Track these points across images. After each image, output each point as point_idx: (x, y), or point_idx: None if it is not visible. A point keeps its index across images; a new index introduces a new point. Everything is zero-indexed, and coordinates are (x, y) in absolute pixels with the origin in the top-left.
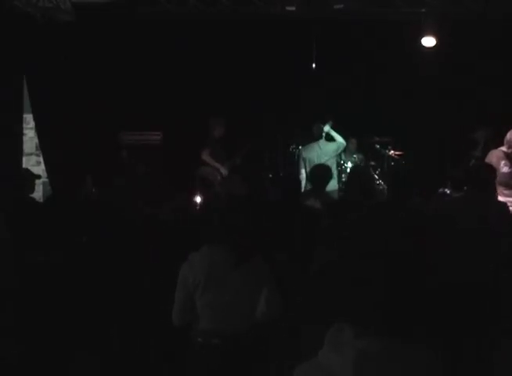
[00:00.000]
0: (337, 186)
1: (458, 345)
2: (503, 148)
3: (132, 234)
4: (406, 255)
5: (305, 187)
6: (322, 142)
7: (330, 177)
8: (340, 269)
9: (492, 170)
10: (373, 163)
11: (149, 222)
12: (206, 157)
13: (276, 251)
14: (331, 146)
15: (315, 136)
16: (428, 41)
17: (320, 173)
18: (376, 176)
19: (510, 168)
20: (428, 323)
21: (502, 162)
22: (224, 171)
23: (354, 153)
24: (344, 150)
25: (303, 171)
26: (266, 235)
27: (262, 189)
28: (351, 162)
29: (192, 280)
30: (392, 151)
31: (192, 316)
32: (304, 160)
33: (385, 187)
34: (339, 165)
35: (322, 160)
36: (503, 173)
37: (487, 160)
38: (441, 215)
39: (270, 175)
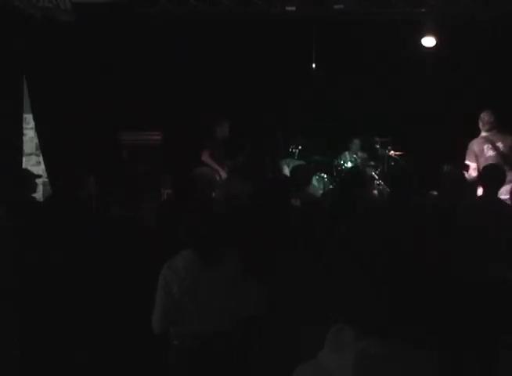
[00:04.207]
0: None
1: (459, 346)
2: (482, 133)
3: (117, 236)
4: (407, 255)
5: None
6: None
7: (310, 177)
8: (342, 270)
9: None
10: (372, 163)
11: (129, 224)
12: (206, 158)
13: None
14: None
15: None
16: (428, 41)
17: (299, 174)
18: (377, 176)
19: (494, 150)
20: (428, 323)
21: (485, 146)
22: (223, 173)
23: (355, 153)
24: (348, 150)
25: None
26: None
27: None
28: (352, 162)
29: (178, 286)
30: (392, 151)
31: (173, 321)
32: None
33: (385, 187)
34: (339, 165)
35: None
36: (490, 156)
37: (469, 151)
38: (442, 214)
39: (270, 176)
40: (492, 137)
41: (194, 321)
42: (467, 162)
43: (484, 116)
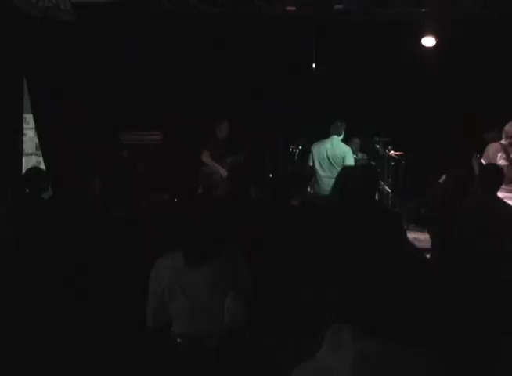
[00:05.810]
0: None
1: (459, 346)
2: (502, 141)
3: (114, 235)
4: (406, 255)
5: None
6: (337, 139)
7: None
8: (341, 269)
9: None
10: (373, 163)
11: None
12: (206, 158)
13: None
14: (342, 148)
15: (330, 134)
16: (428, 41)
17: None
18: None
19: (506, 160)
20: (428, 323)
21: (499, 154)
22: (223, 172)
23: (355, 153)
24: None
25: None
26: (248, 235)
27: (247, 188)
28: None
29: (158, 286)
30: (392, 151)
31: (168, 318)
32: (314, 154)
33: (385, 187)
34: None
35: (332, 158)
36: (500, 165)
37: (485, 154)
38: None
39: (270, 175)
40: (510, 148)
41: (190, 321)
42: (482, 161)
43: (509, 128)
